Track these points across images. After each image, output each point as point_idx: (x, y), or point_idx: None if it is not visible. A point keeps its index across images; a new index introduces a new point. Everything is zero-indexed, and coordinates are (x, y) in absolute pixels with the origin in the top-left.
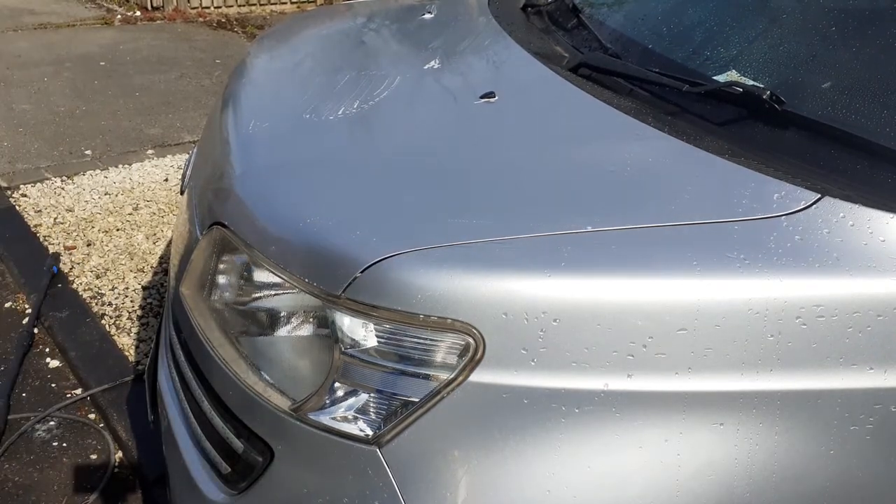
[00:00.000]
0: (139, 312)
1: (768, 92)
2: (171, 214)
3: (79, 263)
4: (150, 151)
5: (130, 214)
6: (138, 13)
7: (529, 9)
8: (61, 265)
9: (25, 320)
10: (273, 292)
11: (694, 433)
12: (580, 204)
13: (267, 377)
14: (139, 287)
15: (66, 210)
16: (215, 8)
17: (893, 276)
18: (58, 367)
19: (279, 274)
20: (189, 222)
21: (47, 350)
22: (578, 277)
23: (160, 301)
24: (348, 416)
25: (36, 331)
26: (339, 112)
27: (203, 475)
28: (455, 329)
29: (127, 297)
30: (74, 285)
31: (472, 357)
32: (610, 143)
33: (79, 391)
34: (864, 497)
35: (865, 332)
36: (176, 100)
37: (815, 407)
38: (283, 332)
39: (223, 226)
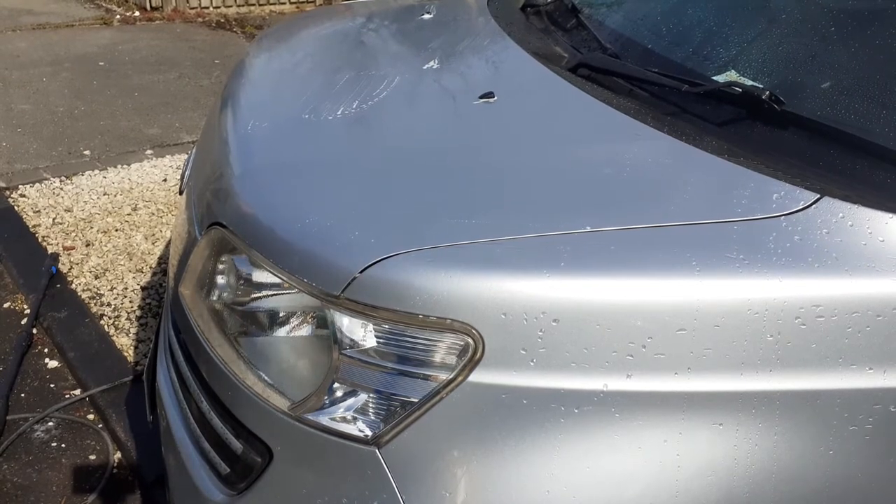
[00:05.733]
0: (138, 313)
1: (767, 92)
2: (169, 215)
3: (77, 264)
4: (148, 151)
5: (129, 215)
6: (137, 13)
7: (529, 9)
8: (60, 265)
9: (24, 320)
10: (272, 292)
11: (693, 433)
12: (579, 204)
13: (266, 377)
14: (138, 287)
15: (65, 210)
16: (214, 8)
17: (892, 276)
18: (56, 367)
19: (278, 274)
20: (188, 222)
21: (46, 350)
22: (578, 278)
23: (159, 301)
24: (347, 416)
25: (35, 331)
26: (339, 112)
27: (202, 476)
28: (454, 329)
29: (126, 297)
30: (73, 286)
31: (471, 357)
32: (609, 143)
33: (77, 391)
34: (864, 497)
35: (865, 333)
36: (175, 100)
37: (814, 407)
38: (282, 332)
39: (222, 226)
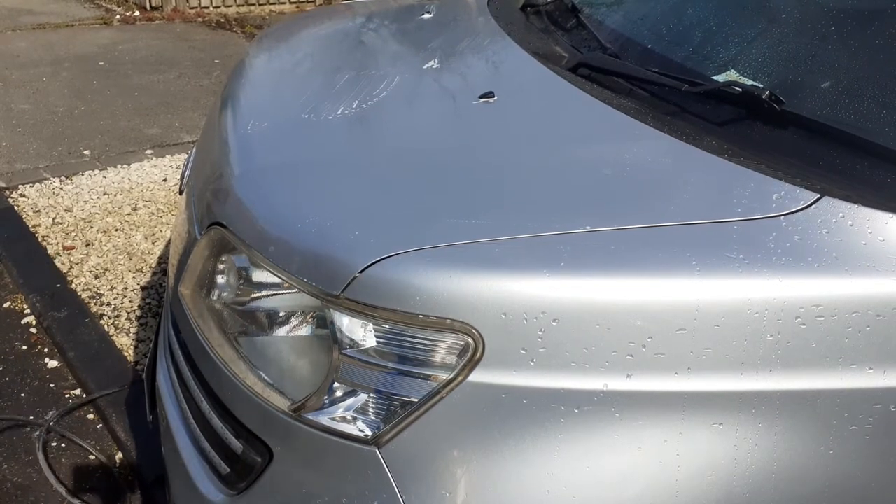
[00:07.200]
0: (138, 312)
1: (767, 92)
2: (169, 214)
3: (77, 264)
4: (148, 151)
5: (129, 214)
6: (137, 13)
7: (529, 9)
8: (60, 265)
9: (24, 320)
10: (272, 292)
11: (693, 433)
12: (579, 204)
13: (266, 377)
14: (138, 287)
15: (65, 210)
16: (214, 8)
17: (892, 276)
18: (56, 367)
19: (278, 274)
20: (188, 222)
21: (46, 350)
22: (577, 277)
23: (159, 301)
24: (347, 416)
25: (34, 331)
26: (339, 112)
27: (202, 475)
28: (454, 329)
29: (126, 297)
30: (73, 285)
31: (471, 357)
32: (609, 143)
33: (77, 391)
34: (864, 497)
35: (864, 332)
36: (175, 100)
37: (814, 407)
38: (282, 332)
39: (222, 226)
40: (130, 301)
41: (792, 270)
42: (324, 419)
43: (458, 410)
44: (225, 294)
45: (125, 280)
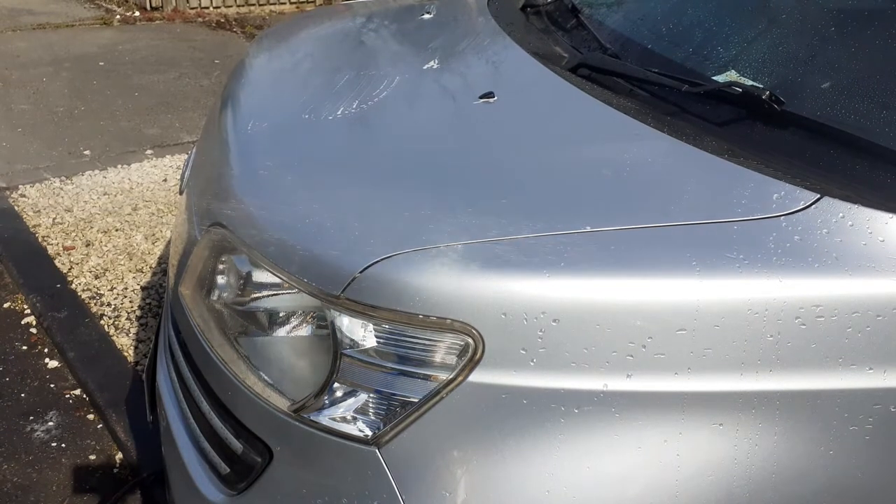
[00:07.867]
0: (138, 313)
1: (767, 92)
2: (170, 215)
3: (77, 264)
4: (148, 151)
5: (129, 215)
6: (137, 13)
7: (529, 9)
8: (60, 265)
9: (24, 320)
10: (272, 292)
11: (693, 433)
12: (579, 204)
13: (266, 377)
14: (138, 287)
15: (65, 210)
16: (214, 8)
17: (892, 276)
18: (56, 367)
19: (278, 274)
20: (188, 222)
21: (46, 350)
22: (578, 278)
23: (159, 301)
24: (347, 416)
25: (34, 331)
26: (339, 112)
27: (202, 475)
28: (454, 329)
29: (126, 297)
30: (73, 286)
31: (471, 357)
32: (609, 143)
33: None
34: (864, 497)
35: (865, 333)
36: (175, 100)
37: (814, 407)
38: (282, 332)
39: (222, 226)
40: (130, 301)
41: (792, 271)
42: (324, 419)
43: (458, 410)
44: (225, 294)
45: (125, 280)
